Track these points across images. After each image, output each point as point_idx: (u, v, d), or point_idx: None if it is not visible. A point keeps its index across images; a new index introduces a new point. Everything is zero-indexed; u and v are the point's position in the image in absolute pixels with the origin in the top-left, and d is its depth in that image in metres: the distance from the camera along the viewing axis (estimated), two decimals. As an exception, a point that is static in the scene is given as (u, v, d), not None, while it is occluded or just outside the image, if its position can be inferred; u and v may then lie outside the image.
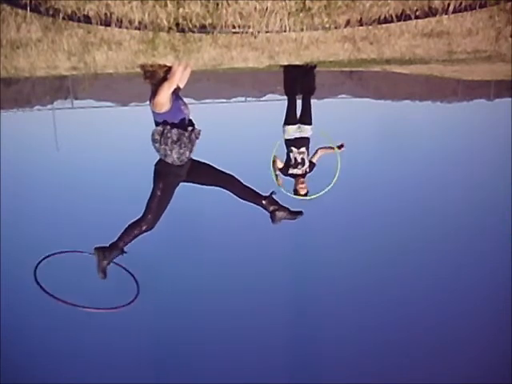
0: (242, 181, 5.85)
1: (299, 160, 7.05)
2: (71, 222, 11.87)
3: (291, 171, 7.10)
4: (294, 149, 7.11)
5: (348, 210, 13.85)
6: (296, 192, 7.05)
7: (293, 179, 7.16)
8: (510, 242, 12.93)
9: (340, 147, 7.42)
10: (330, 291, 13.08)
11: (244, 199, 5.78)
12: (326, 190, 7.12)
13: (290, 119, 7.22)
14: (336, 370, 12.32)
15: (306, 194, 7.08)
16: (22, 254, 10.87)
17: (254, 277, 13.26)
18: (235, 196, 5.79)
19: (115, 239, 5.47)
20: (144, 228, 5.43)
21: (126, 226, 5.47)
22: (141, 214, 5.45)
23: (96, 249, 5.48)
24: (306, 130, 7.19)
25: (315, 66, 7.42)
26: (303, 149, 7.09)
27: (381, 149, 14.37)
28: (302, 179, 7.07)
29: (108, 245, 5.46)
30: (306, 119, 7.24)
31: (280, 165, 7.16)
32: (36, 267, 5.52)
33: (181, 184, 5.62)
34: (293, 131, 7.17)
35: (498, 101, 14.47)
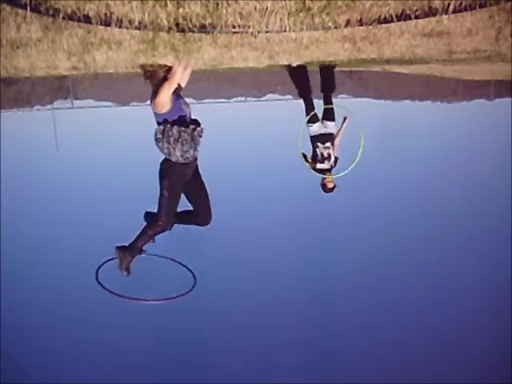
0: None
1: (325, 155, 7.30)
2: (71, 222, 11.88)
3: (319, 166, 7.34)
4: (319, 144, 7.35)
5: (348, 210, 13.84)
6: (324, 186, 7.31)
7: (320, 175, 7.40)
8: (510, 242, 12.91)
9: (344, 120, 7.78)
10: (330, 291, 13.06)
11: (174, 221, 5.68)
12: (351, 167, 7.40)
13: (312, 118, 7.43)
14: (335, 370, 12.28)
15: (333, 188, 7.32)
16: (21, 254, 10.88)
17: (255, 277, 13.25)
18: (180, 218, 5.70)
19: (133, 240, 5.52)
20: (158, 229, 5.49)
21: (142, 227, 5.52)
22: (154, 216, 5.48)
23: (117, 248, 5.54)
24: (329, 126, 7.44)
25: (335, 66, 7.60)
26: (328, 143, 7.33)
27: (381, 149, 14.35)
28: (328, 173, 7.32)
29: (127, 244, 5.52)
30: (328, 116, 7.49)
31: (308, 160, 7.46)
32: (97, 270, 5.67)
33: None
34: (317, 128, 7.43)
35: (497, 101, 14.46)
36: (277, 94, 14.67)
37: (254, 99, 15.45)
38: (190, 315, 11.77)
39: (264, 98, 15.05)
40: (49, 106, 14.41)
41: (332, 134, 7.46)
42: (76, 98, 14.41)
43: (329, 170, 7.37)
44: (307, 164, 7.47)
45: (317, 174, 7.40)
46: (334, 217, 13.40)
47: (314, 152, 7.40)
